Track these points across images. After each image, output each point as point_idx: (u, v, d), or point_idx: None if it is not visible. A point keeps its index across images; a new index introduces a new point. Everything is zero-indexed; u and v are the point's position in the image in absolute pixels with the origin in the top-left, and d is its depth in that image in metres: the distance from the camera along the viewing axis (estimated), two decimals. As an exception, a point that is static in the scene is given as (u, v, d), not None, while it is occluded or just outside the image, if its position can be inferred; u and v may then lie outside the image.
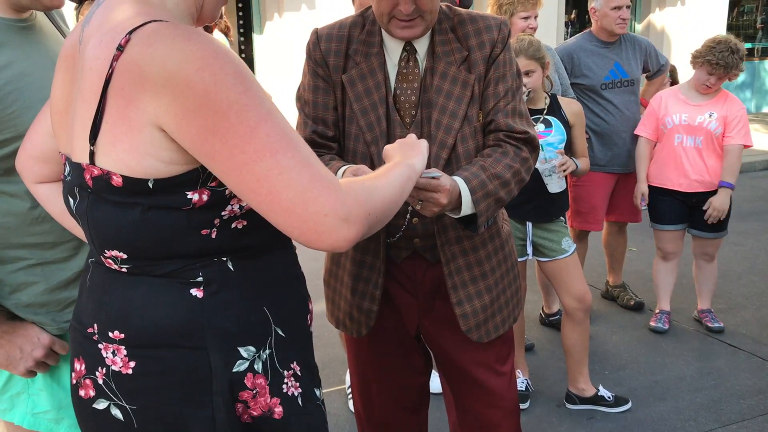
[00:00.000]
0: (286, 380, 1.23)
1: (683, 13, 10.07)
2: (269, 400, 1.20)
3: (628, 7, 3.69)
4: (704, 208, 3.63)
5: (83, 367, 1.19)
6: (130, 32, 1.01)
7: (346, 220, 1.02)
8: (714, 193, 3.62)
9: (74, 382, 1.22)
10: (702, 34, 10.01)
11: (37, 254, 1.50)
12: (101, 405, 1.17)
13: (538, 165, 2.82)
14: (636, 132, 3.81)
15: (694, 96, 3.66)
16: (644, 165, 3.76)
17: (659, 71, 4.06)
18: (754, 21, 12.40)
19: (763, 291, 4.47)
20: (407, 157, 1.35)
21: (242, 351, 1.16)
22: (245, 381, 1.17)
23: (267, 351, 1.20)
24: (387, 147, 1.42)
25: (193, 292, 1.13)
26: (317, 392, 1.32)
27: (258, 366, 1.18)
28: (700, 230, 3.74)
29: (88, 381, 1.18)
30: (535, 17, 3.41)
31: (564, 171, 2.85)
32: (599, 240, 4.38)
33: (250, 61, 8.15)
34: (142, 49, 1.00)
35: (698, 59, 3.57)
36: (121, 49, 1.01)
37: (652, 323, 3.87)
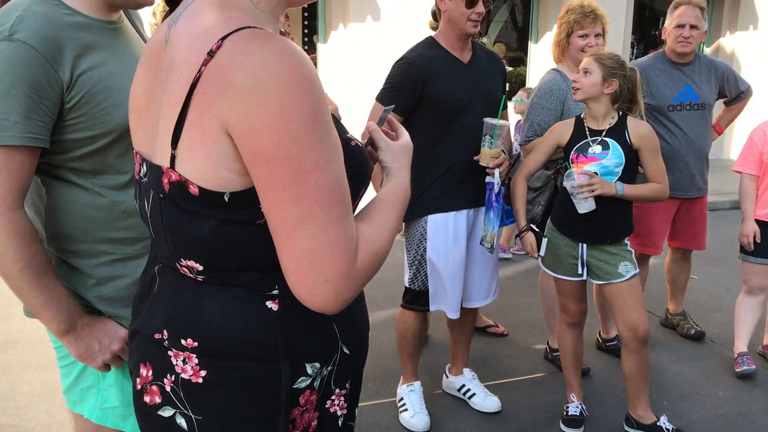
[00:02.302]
0: (334, 397, 1.23)
1: (755, 37, 9.80)
2: (312, 414, 1.20)
3: (693, 26, 3.58)
4: None
5: (150, 373, 1.17)
6: (223, 38, 1.00)
7: (343, 292, 1.02)
8: None
9: (139, 387, 1.20)
10: (765, 61, 9.75)
11: (121, 249, 1.55)
12: (167, 413, 1.16)
13: (566, 183, 2.81)
14: (736, 169, 3.65)
15: None
16: (751, 203, 3.60)
17: (738, 97, 3.91)
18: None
19: (832, 329, 4.28)
20: (409, 175, 1.31)
21: (308, 367, 1.16)
22: (300, 398, 1.16)
23: (329, 368, 1.19)
24: (390, 149, 1.31)
25: (269, 304, 1.12)
26: (355, 411, 1.33)
27: (317, 383, 1.18)
28: None
29: (154, 387, 1.17)
30: (596, 35, 3.36)
31: (592, 192, 2.76)
32: (661, 266, 4.27)
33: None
34: (233, 56, 0.98)
35: None
36: (212, 54, 1.00)
37: (737, 369, 3.62)
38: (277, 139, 0.96)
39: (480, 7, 2.78)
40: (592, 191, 2.76)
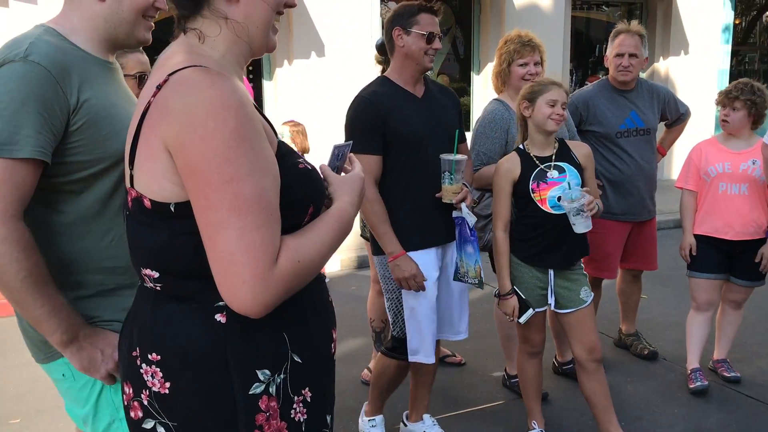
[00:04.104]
0: (295, 405, 1.31)
1: (687, 61, 10.19)
2: (279, 422, 1.29)
3: (632, 55, 3.68)
4: (757, 260, 3.58)
5: (131, 390, 1.31)
6: (171, 74, 1.18)
7: (259, 294, 1.13)
8: (760, 241, 3.58)
9: (125, 404, 1.33)
10: (704, 82, 10.15)
11: (112, 279, 1.62)
12: (149, 425, 1.29)
13: (565, 204, 2.75)
14: (678, 185, 3.78)
15: (732, 143, 3.65)
16: (690, 217, 3.72)
17: (679, 119, 4.04)
18: (756, 70, 12.55)
19: (778, 340, 4.40)
20: (353, 200, 1.41)
21: (259, 374, 1.25)
22: (260, 403, 1.25)
23: (281, 376, 1.28)
24: (335, 181, 1.44)
25: (218, 317, 1.24)
26: (327, 419, 1.40)
27: (272, 389, 1.27)
28: (740, 278, 3.70)
29: (136, 403, 1.30)
30: (535, 63, 3.43)
31: (591, 210, 2.76)
32: (613, 287, 4.34)
33: (260, 106, 8.21)
34: (174, 87, 1.17)
35: (717, 98, 3.61)
36: (159, 87, 1.19)
37: (691, 385, 3.68)
38: (201, 153, 1.12)
39: (437, 43, 2.80)
40: (592, 209, 2.77)
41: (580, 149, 2.97)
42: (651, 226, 3.98)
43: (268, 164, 1.17)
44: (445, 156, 2.76)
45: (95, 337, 1.57)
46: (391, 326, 2.99)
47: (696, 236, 3.72)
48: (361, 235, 3.82)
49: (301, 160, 1.34)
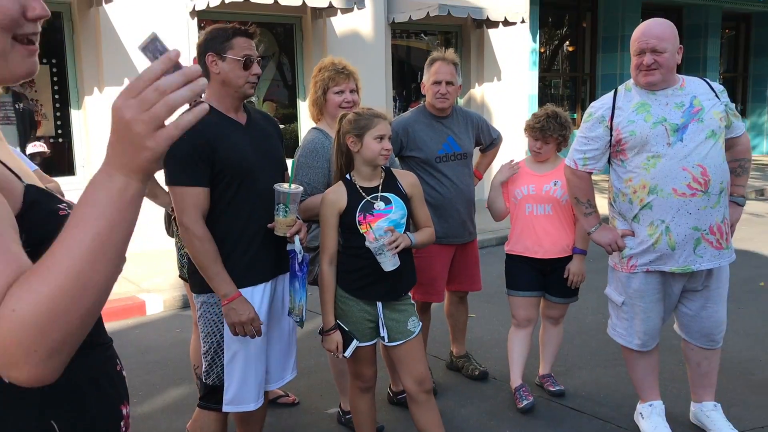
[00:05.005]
0: None
1: (499, 88, 10.80)
2: None
3: (448, 82, 3.75)
4: (564, 276, 3.73)
5: None
6: None
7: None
8: (568, 258, 3.74)
9: None
10: (516, 106, 10.81)
11: None
12: None
13: (368, 244, 2.71)
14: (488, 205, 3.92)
15: (538, 167, 3.80)
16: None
17: (492, 144, 4.17)
18: (561, 94, 13.63)
19: (595, 350, 4.66)
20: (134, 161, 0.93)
21: None
22: None
23: None
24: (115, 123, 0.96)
25: None
26: None
27: None
28: (554, 295, 3.84)
29: None
30: (351, 91, 3.38)
31: (396, 248, 2.72)
32: (441, 309, 4.37)
33: (69, 137, 7.58)
34: None
35: (526, 129, 3.74)
36: None
37: (518, 405, 3.73)
38: None
39: (256, 68, 2.63)
40: (397, 246, 2.70)
41: (407, 178, 2.96)
42: (473, 248, 4.06)
43: None
44: (279, 187, 2.60)
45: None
46: (204, 373, 2.75)
47: (511, 256, 3.86)
48: (180, 276, 3.54)
49: (62, 205, 1.11)
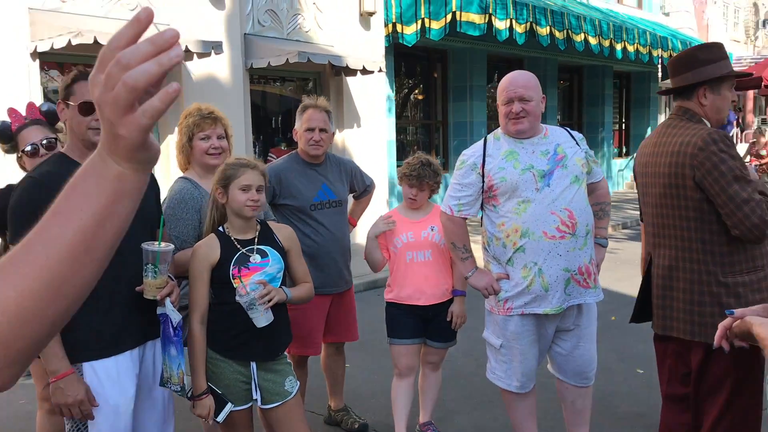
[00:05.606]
0: None
1: (360, 133, 10.95)
2: None
3: (322, 129, 3.71)
4: (447, 318, 3.73)
5: None
6: None
7: None
8: (450, 302, 3.74)
9: None
10: (377, 152, 10.99)
11: None
12: None
13: (238, 298, 2.57)
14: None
15: (413, 214, 3.81)
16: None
17: (365, 191, 4.15)
18: (416, 140, 14.05)
19: (470, 393, 4.69)
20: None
21: None
22: None
23: None
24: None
25: None
26: None
27: None
28: (435, 340, 3.82)
29: None
30: (219, 137, 3.24)
31: (269, 302, 2.60)
32: (317, 362, 4.24)
33: None
34: None
35: (401, 178, 3.75)
36: None
37: None
38: None
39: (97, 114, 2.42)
40: (270, 300, 2.56)
41: (283, 231, 2.88)
42: (350, 296, 4.00)
43: None
44: (148, 246, 2.37)
45: None
46: None
47: (392, 304, 3.81)
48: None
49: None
